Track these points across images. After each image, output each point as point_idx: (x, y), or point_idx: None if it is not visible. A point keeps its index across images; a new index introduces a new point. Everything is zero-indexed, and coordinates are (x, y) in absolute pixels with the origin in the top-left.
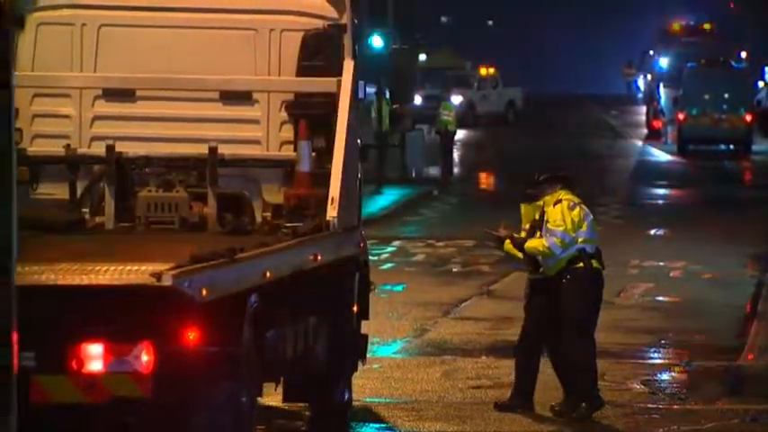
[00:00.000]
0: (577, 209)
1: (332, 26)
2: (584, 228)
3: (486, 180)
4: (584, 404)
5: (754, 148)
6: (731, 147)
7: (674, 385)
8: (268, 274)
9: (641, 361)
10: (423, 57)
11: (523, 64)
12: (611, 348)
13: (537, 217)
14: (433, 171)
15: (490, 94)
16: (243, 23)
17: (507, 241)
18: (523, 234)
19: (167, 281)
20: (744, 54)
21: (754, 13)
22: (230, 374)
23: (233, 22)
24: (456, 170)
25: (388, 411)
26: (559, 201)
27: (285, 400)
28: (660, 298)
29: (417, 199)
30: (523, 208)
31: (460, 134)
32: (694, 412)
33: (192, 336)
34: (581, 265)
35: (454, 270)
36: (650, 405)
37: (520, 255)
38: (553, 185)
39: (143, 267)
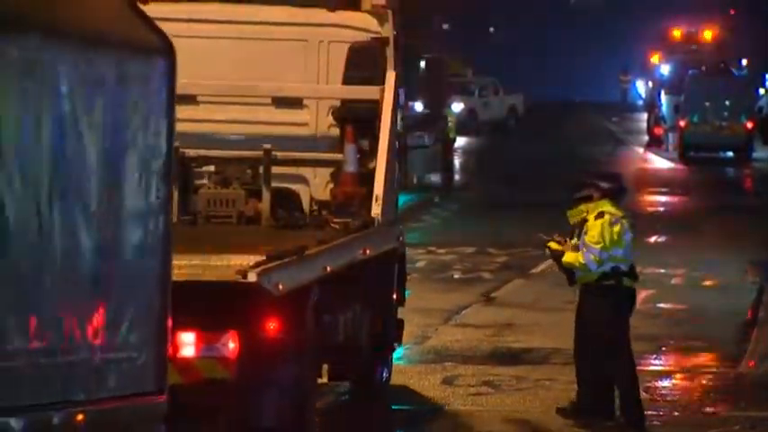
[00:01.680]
0: (618, 225)
1: (376, 39)
2: (622, 245)
3: (487, 187)
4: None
5: (755, 155)
6: (732, 154)
7: (675, 392)
8: (328, 269)
9: (642, 368)
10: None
11: (525, 71)
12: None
13: (578, 220)
14: (434, 178)
15: (491, 100)
16: (294, 35)
17: (552, 242)
18: (573, 242)
19: (252, 278)
20: (745, 62)
21: (755, 20)
22: (298, 358)
23: (285, 33)
24: (457, 177)
25: (389, 418)
26: (602, 214)
27: (330, 378)
28: (661, 305)
29: (418, 206)
30: (575, 212)
31: (461, 141)
32: (695, 420)
33: (269, 325)
34: (612, 282)
35: (455, 277)
36: (651, 412)
37: (579, 264)
38: (600, 194)
39: (230, 263)
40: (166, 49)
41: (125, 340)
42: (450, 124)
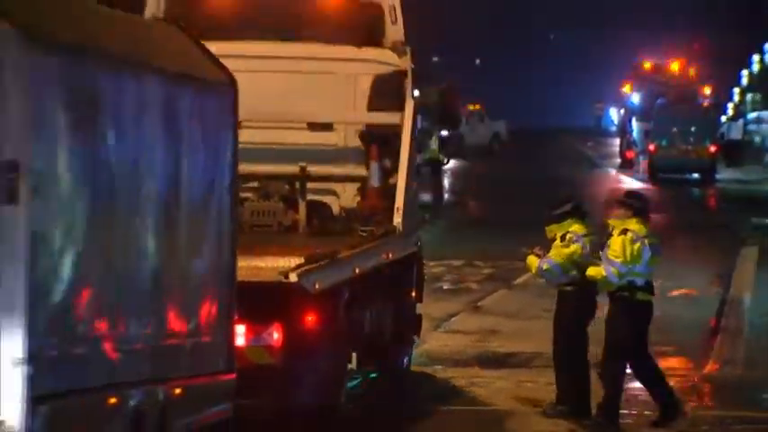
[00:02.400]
0: (638, 243)
1: (396, 72)
2: (640, 262)
3: (474, 206)
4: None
5: (718, 176)
6: (698, 175)
7: (646, 394)
8: (356, 270)
9: None
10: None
11: (508, 99)
12: (592, 360)
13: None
14: (425, 197)
15: (477, 127)
16: (326, 69)
17: (531, 256)
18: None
19: (293, 278)
20: (708, 91)
21: (717, 53)
22: (332, 346)
23: (319, 67)
24: (446, 196)
25: (384, 417)
26: (625, 231)
27: (358, 365)
28: None
29: None
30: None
31: (451, 164)
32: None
33: (307, 318)
34: (626, 294)
35: (444, 287)
36: (624, 411)
37: (534, 270)
38: (626, 210)
39: (274, 266)
40: (232, 84)
41: (207, 329)
42: (433, 147)
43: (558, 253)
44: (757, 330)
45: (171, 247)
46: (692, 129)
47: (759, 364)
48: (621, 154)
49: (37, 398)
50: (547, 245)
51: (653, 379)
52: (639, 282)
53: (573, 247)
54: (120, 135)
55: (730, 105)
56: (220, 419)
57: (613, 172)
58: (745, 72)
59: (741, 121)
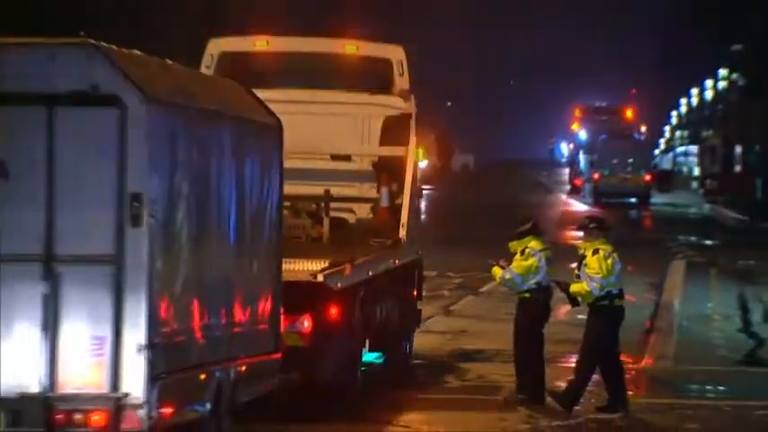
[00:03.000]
0: (610, 259)
1: (402, 114)
2: (614, 274)
3: (446, 225)
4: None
5: (652, 200)
6: (635, 200)
7: (591, 384)
8: (370, 273)
9: (566, 365)
10: None
11: (476, 135)
12: (545, 356)
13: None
14: None
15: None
16: (345, 111)
17: (496, 267)
18: (532, 265)
19: (320, 279)
20: (644, 128)
21: (651, 97)
22: (349, 333)
23: (339, 110)
24: (422, 216)
25: (373, 400)
26: (597, 250)
27: (370, 349)
28: (581, 316)
29: None
30: (516, 244)
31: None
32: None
33: (331, 311)
34: (606, 302)
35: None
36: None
37: (498, 279)
38: (596, 234)
39: (305, 268)
40: (279, 125)
41: (263, 319)
42: None
43: (518, 265)
44: (685, 331)
45: (239, 257)
46: (630, 160)
47: (686, 359)
48: (571, 181)
49: (153, 376)
50: (509, 258)
51: (617, 375)
52: (615, 290)
53: (531, 260)
54: (209, 170)
55: (662, 140)
56: (269, 390)
57: (564, 197)
58: (674, 113)
59: (671, 154)
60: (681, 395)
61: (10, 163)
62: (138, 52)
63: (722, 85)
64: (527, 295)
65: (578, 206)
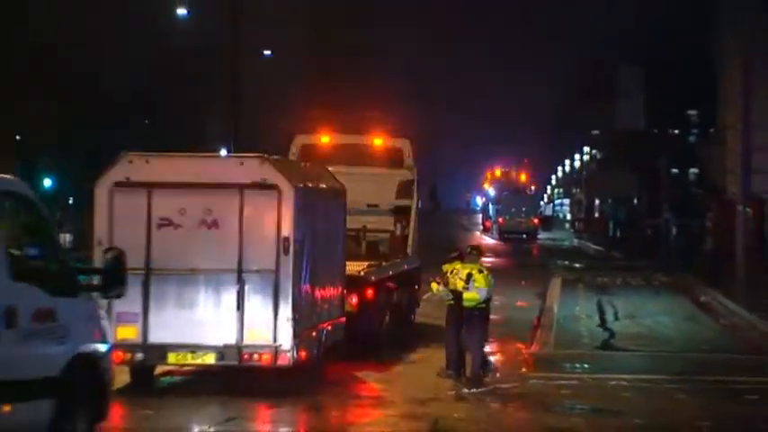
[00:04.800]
0: (489, 275)
1: (409, 179)
2: (491, 286)
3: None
4: (480, 371)
5: (539, 237)
6: (526, 236)
7: (497, 363)
8: (390, 272)
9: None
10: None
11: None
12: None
13: (460, 272)
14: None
15: None
16: (375, 178)
17: (433, 283)
18: (460, 284)
19: (362, 274)
20: (533, 187)
21: (539, 166)
22: (378, 308)
23: (372, 178)
24: None
25: (352, 378)
26: (481, 270)
27: (389, 319)
28: (492, 316)
29: None
30: (448, 266)
31: None
32: (510, 378)
33: (368, 293)
34: (484, 306)
35: None
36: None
37: (434, 291)
38: (475, 257)
39: (355, 268)
40: (344, 190)
41: (337, 297)
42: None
43: (447, 281)
44: (561, 326)
45: (328, 264)
46: (524, 209)
47: (562, 345)
48: (483, 224)
49: (295, 334)
50: (443, 276)
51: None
52: (490, 298)
53: (456, 279)
54: (320, 221)
55: (546, 195)
56: (339, 340)
57: (478, 234)
58: (554, 176)
59: (552, 204)
60: (560, 371)
61: (220, 219)
62: (287, 159)
63: (586, 158)
64: (451, 302)
65: (489, 240)
